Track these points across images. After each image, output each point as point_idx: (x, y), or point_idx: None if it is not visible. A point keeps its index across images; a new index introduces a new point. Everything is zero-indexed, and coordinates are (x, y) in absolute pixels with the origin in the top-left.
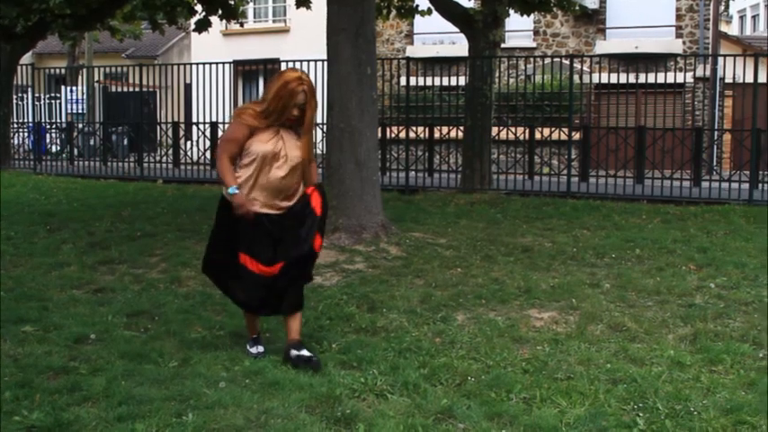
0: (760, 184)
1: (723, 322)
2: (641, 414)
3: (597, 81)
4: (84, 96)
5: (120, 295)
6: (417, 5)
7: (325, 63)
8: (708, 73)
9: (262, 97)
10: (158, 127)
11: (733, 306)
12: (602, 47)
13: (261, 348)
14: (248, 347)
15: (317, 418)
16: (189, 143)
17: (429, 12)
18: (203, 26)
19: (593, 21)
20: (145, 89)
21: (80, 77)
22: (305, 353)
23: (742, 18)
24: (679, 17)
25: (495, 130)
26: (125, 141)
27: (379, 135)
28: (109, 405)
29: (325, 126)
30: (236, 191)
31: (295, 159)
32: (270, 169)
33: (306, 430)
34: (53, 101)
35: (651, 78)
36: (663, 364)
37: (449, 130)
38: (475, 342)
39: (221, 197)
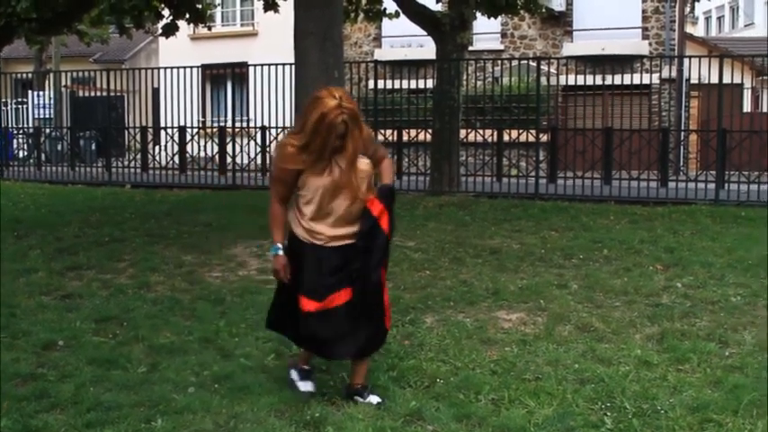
0: (726, 184)
1: (690, 321)
2: (609, 413)
3: (565, 83)
4: (52, 101)
5: (89, 301)
6: (385, 9)
7: (294, 67)
8: (674, 74)
9: (299, 124)
10: (126, 132)
11: (699, 305)
12: (569, 49)
13: (310, 386)
14: (294, 378)
15: (287, 422)
16: (157, 148)
17: (397, 15)
18: (171, 30)
19: (560, 23)
20: (112, 94)
21: (47, 82)
22: (373, 399)
23: (707, 19)
24: (645, 19)
25: (463, 132)
26: (93, 146)
27: None
28: (77, 411)
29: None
30: (279, 251)
31: (359, 183)
32: (334, 199)
33: None
34: (20, 106)
35: (618, 80)
36: (630, 363)
37: (417, 133)
38: (443, 344)
39: (294, 241)
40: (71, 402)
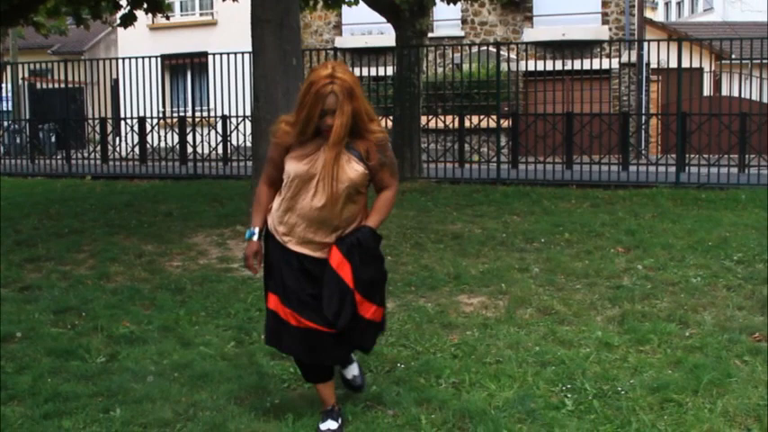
0: (687, 167)
1: (650, 303)
2: (569, 395)
3: (526, 69)
4: (10, 94)
5: (47, 292)
6: None
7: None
8: (634, 59)
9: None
10: (86, 123)
11: (660, 287)
12: (529, 35)
13: (334, 425)
14: (319, 425)
15: (246, 409)
16: (118, 139)
17: (356, 2)
18: (128, 20)
19: (521, 9)
20: (72, 85)
21: (5, 75)
22: (331, 425)
23: (667, 5)
24: (605, 4)
25: (424, 119)
26: (53, 138)
27: None
28: (35, 403)
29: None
30: (253, 236)
31: (339, 184)
32: (306, 194)
33: (234, 422)
34: None
35: (579, 65)
36: (591, 345)
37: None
38: (404, 329)
39: (266, 236)
40: (29, 394)
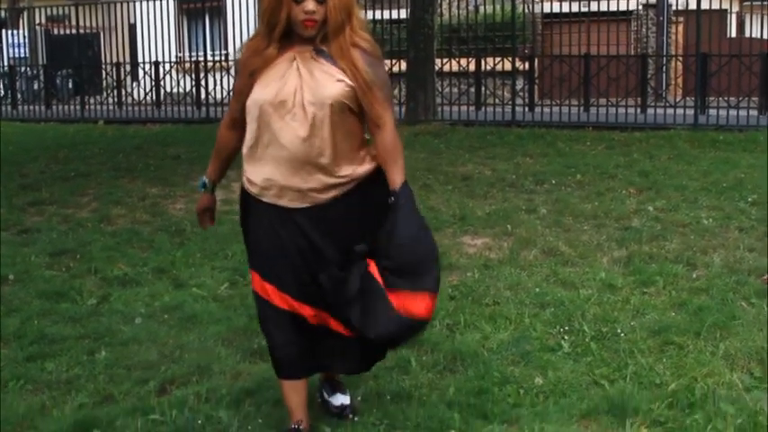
0: (706, 110)
1: (658, 244)
2: (566, 337)
3: (546, 10)
4: (26, 40)
5: (46, 235)
6: None
7: None
8: None
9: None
10: (103, 68)
11: (670, 228)
12: None
13: (342, 399)
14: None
15: (233, 351)
16: (135, 83)
17: None
18: None
19: None
20: (88, 31)
21: (21, 21)
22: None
23: None
24: None
25: (441, 61)
26: (69, 84)
27: None
28: (20, 345)
29: None
30: (203, 188)
31: (322, 102)
32: (281, 127)
33: (220, 363)
34: None
35: (601, 6)
36: (593, 287)
37: (392, 64)
38: None
39: (240, 191)
40: (15, 336)
